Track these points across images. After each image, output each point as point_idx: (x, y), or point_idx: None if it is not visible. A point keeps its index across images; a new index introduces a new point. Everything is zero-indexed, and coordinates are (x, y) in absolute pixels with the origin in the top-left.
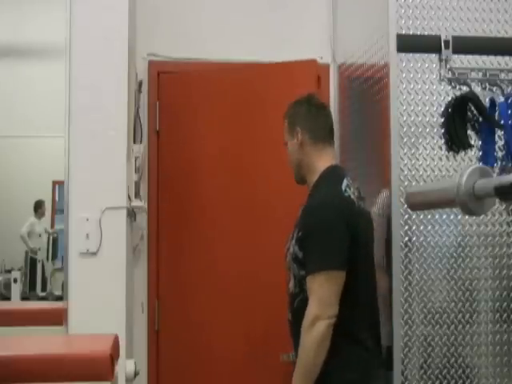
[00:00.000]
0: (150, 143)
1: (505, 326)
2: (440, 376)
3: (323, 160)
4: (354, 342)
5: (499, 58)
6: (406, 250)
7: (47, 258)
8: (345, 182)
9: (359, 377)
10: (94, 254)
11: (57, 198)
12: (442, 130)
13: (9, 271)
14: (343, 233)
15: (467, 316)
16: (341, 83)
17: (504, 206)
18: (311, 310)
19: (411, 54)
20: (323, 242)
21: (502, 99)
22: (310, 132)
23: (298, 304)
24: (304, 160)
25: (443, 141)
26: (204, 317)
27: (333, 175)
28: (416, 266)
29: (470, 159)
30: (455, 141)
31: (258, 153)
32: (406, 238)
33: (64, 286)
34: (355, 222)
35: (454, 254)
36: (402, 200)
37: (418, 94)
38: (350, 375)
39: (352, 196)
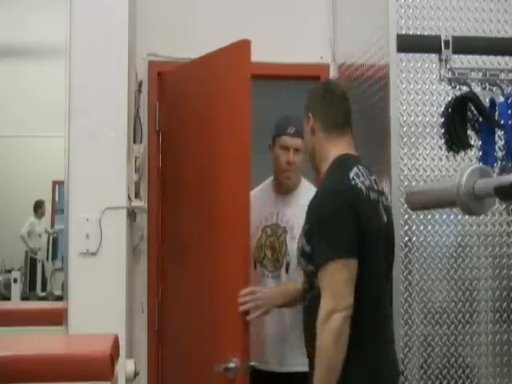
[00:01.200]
0: (150, 143)
1: (505, 326)
2: (440, 376)
3: (336, 148)
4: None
5: (499, 58)
6: (406, 250)
7: (47, 258)
8: (354, 171)
9: None
10: (94, 254)
11: (57, 198)
12: (442, 130)
13: (9, 271)
14: (351, 221)
15: (467, 316)
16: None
17: (504, 206)
18: (325, 304)
19: (411, 54)
20: (330, 231)
21: (502, 99)
22: (321, 119)
23: (309, 300)
24: (316, 148)
25: (443, 141)
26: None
27: (342, 163)
28: (416, 266)
29: (470, 159)
30: (455, 141)
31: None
32: (406, 238)
33: (64, 286)
34: (362, 212)
35: (454, 254)
36: (402, 200)
37: (418, 94)
38: None
39: (360, 185)
